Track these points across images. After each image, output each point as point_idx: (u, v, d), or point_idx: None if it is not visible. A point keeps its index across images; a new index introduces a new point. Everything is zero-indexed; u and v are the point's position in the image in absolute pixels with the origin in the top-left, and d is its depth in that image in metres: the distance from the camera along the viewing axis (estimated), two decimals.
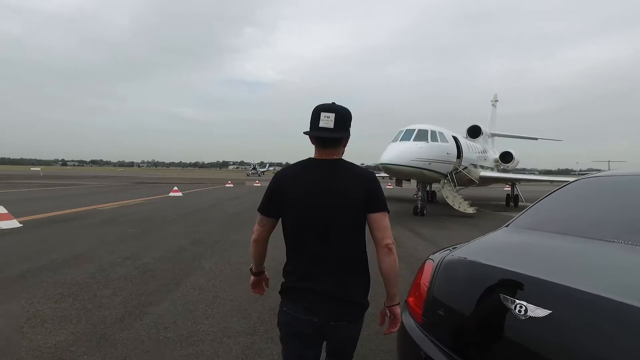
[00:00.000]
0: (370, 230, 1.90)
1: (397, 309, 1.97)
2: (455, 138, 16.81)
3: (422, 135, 14.85)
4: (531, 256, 2.08)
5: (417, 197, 15.56)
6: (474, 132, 24.03)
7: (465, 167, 17.95)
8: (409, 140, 14.71)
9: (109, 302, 4.62)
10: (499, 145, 29.41)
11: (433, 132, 15.11)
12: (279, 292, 1.97)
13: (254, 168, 79.00)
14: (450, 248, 2.43)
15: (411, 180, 16.91)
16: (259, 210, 1.99)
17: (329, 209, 1.85)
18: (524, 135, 32.10)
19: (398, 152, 14.32)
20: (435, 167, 14.94)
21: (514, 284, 1.73)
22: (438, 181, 16.74)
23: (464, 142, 18.59)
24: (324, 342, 1.96)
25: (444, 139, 15.54)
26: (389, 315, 1.98)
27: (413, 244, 9.03)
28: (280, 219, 1.98)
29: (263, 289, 2.26)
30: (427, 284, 2.20)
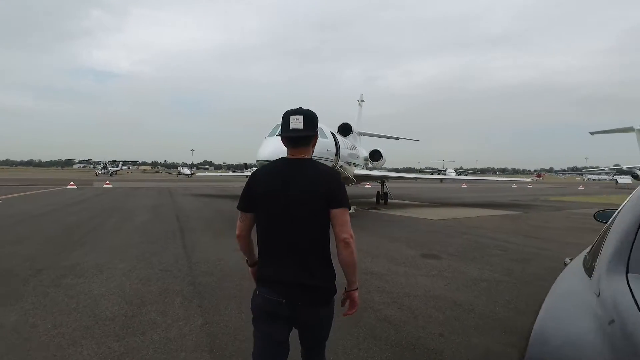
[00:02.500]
0: (332, 225, 2.07)
1: (355, 294, 2.17)
2: (333, 134, 16.14)
3: None
4: None
5: None
6: (345, 130, 23.98)
7: (342, 165, 17.42)
8: None
9: None
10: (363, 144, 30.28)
11: None
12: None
13: (105, 167, 69.66)
14: None
15: None
16: (238, 208, 2.19)
17: (293, 204, 2.03)
18: (387, 135, 33.69)
19: (276, 147, 12.89)
20: None
21: None
22: None
23: (340, 139, 18.12)
24: (294, 330, 2.11)
25: (323, 135, 14.66)
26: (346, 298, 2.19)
27: None
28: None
29: None
30: None
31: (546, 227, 12.43)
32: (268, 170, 2.16)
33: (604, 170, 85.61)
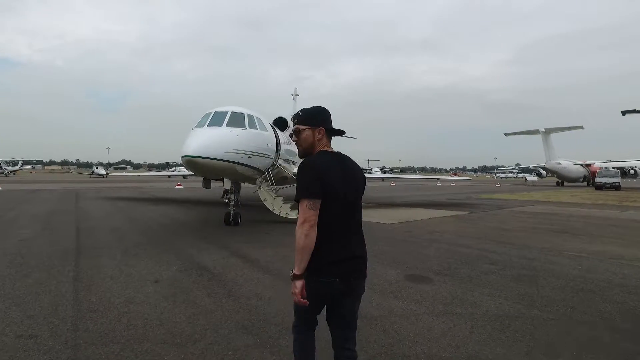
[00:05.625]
0: None
1: None
2: (273, 127, 13.98)
3: (237, 120, 11.32)
4: None
5: (229, 201, 12.07)
6: (281, 125, 21.90)
7: (281, 164, 15.24)
8: (220, 125, 10.92)
9: None
10: None
11: (250, 117, 11.74)
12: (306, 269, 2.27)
13: None
14: None
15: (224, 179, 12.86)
16: (308, 197, 2.24)
17: (356, 191, 2.49)
18: None
19: (207, 141, 10.37)
20: (254, 161, 11.65)
21: None
22: (253, 180, 13.51)
23: (280, 133, 15.94)
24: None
25: (262, 127, 12.46)
26: None
27: (252, 285, 5.48)
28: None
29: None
30: None
31: (506, 230, 11.48)
32: (329, 161, 2.40)
33: (512, 168, 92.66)
